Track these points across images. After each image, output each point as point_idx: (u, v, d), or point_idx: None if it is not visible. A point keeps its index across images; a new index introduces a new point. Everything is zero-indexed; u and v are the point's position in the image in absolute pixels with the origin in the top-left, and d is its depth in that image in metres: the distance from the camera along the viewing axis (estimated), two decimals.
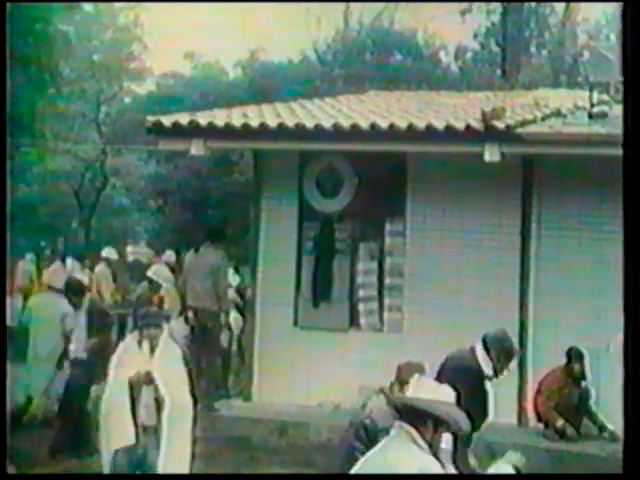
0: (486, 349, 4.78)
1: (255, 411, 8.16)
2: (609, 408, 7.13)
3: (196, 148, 7.93)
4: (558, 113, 8.00)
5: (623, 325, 3.16)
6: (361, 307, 8.43)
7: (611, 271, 7.04)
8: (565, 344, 7.35)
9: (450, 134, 7.34)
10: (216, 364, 8.64)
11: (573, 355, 7.32)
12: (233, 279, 10.58)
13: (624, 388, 3.10)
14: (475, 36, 22.12)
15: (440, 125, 7.39)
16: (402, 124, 7.48)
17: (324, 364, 8.16)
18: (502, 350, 4.81)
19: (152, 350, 5.50)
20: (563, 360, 7.37)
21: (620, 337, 3.22)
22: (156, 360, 5.47)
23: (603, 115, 7.55)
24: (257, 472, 6.75)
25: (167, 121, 7.93)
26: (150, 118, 8.09)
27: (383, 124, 7.53)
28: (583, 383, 7.41)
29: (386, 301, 8.35)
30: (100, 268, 11.86)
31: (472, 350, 4.83)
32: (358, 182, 8.46)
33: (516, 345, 5.03)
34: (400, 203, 8.37)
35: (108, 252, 12.26)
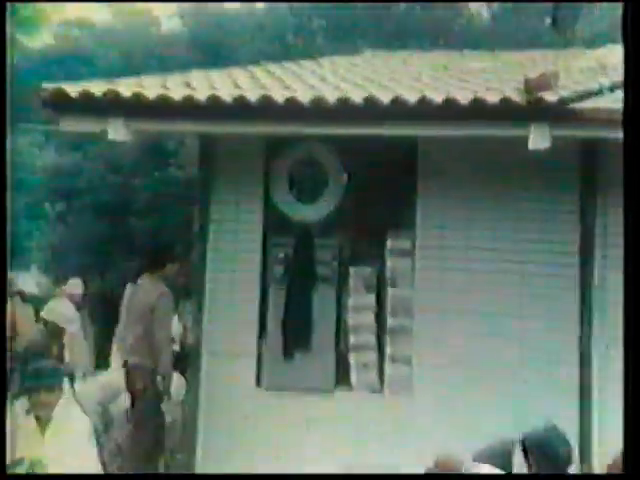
0: (525, 451, 4.90)
1: None
2: None
3: (115, 130, 7.89)
4: None
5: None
6: (352, 359, 8.46)
7: None
8: None
9: (478, 111, 7.38)
10: (145, 440, 8.61)
11: None
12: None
13: (624, 388, 3.58)
14: None
15: (464, 99, 7.43)
16: (410, 97, 7.51)
17: (299, 438, 8.20)
18: (545, 457, 4.90)
19: (46, 423, 5.46)
20: None
21: None
22: (51, 438, 5.44)
23: None
24: None
25: (72, 90, 7.88)
26: (47, 85, 8.03)
27: (383, 98, 7.56)
28: None
29: (388, 350, 8.38)
30: (17, 305, 11.84)
31: (508, 453, 4.93)
32: (347, 180, 8.52)
33: (569, 447, 5.08)
34: (407, 210, 8.43)
35: (25, 282, 12.24)
